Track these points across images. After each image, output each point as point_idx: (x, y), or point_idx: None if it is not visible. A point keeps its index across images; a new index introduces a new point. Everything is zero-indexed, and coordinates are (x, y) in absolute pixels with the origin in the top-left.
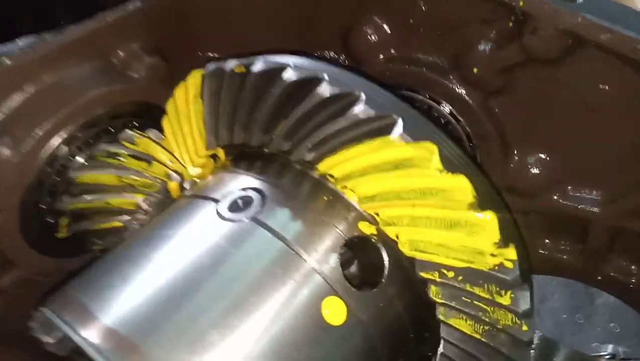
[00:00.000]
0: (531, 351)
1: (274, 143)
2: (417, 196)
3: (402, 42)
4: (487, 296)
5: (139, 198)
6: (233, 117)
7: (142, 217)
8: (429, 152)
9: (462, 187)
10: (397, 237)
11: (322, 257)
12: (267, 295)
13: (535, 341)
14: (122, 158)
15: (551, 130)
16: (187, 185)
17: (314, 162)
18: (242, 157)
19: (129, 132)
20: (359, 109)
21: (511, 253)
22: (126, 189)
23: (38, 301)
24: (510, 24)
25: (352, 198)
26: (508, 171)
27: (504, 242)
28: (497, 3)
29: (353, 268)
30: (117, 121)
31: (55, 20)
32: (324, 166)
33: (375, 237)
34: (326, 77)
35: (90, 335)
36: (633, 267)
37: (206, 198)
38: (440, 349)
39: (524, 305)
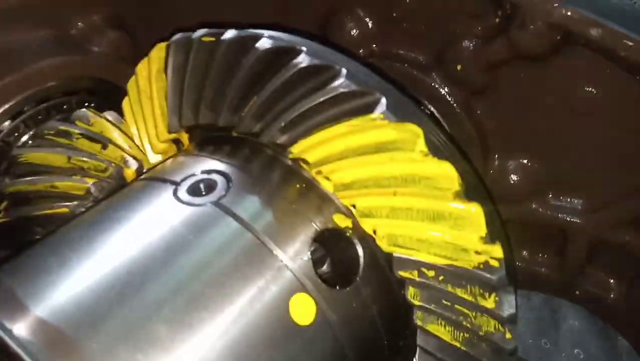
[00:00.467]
0: None
1: (243, 123)
2: (398, 183)
3: (385, 36)
4: (469, 298)
5: (89, 183)
6: (199, 94)
7: (92, 203)
8: (413, 135)
9: (447, 174)
10: (374, 231)
11: (292, 250)
12: (229, 289)
13: None
14: (73, 138)
15: (534, 134)
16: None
17: (287, 145)
18: (208, 142)
19: (84, 110)
20: (339, 83)
21: (497, 250)
22: (76, 172)
23: None
24: (497, 19)
25: (327, 187)
26: (487, 176)
27: (490, 238)
28: None
29: (327, 266)
30: (72, 98)
31: None
32: (297, 149)
33: (350, 231)
34: (304, 48)
35: (16, 327)
36: (612, 281)
37: (164, 180)
38: (416, 358)
39: (509, 309)
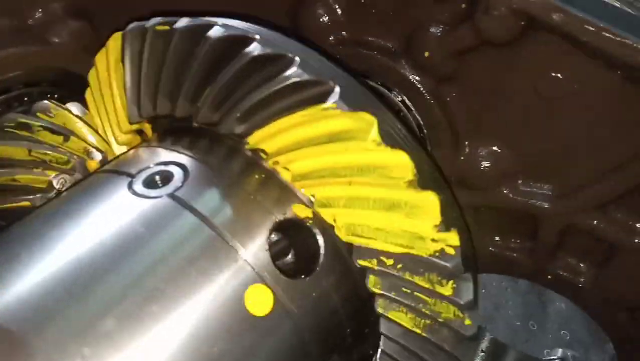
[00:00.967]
0: (481, 353)
1: (201, 114)
2: (353, 173)
3: (354, 23)
4: (427, 286)
5: (51, 176)
6: (156, 84)
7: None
8: (367, 124)
9: (401, 163)
10: (334, 220)
11: (249, 241)
12: (182, 283)
13: (486, 344)
14: (34, 131)
15: (502, 121)
16: None
17: (244, 135)
18: (169, 132)
19: (45, 102)
20: (292, 72)
21: (453, 238)
22: (37, 165)
23: None
24: (463, 5)
25: (286, 177)
26: (458, 163)
27: (445, 226)
28: None
29: (291, 256)
30: (34, 89)
31: None
32: (254, 139)
33: (310, 221)
34: (257, 36)
35: None
36: (582, 265)
37: (120, 173)
38: (381, 346)
39: (467, 296)
